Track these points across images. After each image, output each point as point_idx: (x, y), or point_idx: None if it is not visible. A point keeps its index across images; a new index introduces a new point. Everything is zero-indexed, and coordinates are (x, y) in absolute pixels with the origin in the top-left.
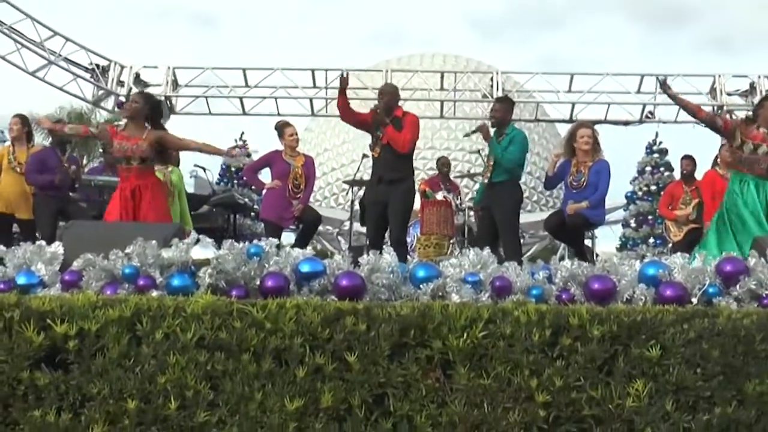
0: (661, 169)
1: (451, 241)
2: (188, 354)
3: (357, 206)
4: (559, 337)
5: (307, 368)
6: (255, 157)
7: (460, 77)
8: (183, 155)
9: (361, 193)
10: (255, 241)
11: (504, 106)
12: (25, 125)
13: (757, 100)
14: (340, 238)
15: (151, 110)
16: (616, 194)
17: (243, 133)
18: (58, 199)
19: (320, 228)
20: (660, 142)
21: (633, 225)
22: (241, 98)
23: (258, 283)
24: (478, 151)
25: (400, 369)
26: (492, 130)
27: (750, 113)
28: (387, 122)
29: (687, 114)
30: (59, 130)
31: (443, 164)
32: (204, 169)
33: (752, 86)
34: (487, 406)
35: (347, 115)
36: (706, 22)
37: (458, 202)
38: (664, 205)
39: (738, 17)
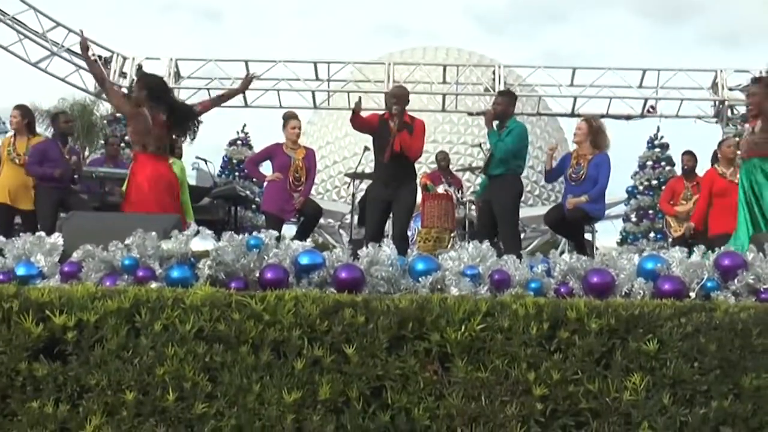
0: (663, 163)
1: (452, 235)
2: (187, 345)
3: (357, 204)
4: (556, 331)
5: (305, 360)
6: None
7: (462, 71)
8: (185, 148)
9: (363, 186)
10: (255, 233)
11: (506, 99)
12: (25, 117)
13: None
14: (341, 231)
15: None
16: (617, 189)
17: (245, 125)
18: (59, 190)
19: (322, 221)
20: (661, 137)
21: (634, 219)
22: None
23: (257, 275)
24: (480, 145)
25: (398, 362)
26: (495, 123)
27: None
28: (403, 127)
29: None
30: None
31: (442, 158)
32: (206, 161)
33: (753, 80)
34: (484, 399)
35: (358, 124)
36: (709, 17)
37: (459, 195)
38: (664, 200)
39: (742, 12)
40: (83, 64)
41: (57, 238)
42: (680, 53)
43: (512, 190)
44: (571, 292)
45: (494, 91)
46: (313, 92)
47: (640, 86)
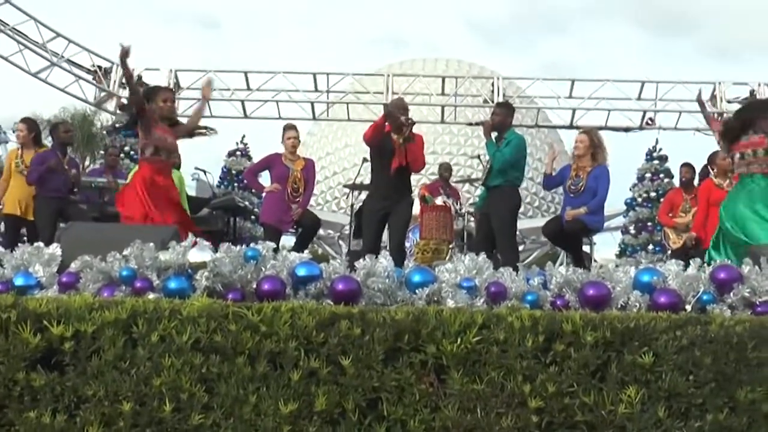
0: (661, 175)
1: (451, 246)
2: (183, 356)
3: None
4: (552, 343)
5: (301, 372)
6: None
7: (461, 82)
8: (184, 158)
9: (362, 197)
10: (252, 245)
11: (503, 110)
12: (31, 130)
13: None
14: (341, 242)
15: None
16: (615, 201)
17: (244, 136)
18: (58, 200)
19: (321, 232)
20: (660, 149)
21: (632, 232)
22: (242, 101)
23: (254, 286)
24: (479, 156)
25: (394, 373)
26: (493, 135)
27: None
28: (411, 139)
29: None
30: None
31: (445, 169)
32: (205, 172)
33: (752, 93)
34: (480, 411)
35: (378, 138)
36: (707, 30)
37: (458, 207)
38: (663, 212)
39: (740, 26)
40: (83, 74)
41: (55, 249)
42: (679, 66)
43: (510, 202)
44: (567, 305)
45: (493, 102)
46: (312, 103)
47: (639, 98)
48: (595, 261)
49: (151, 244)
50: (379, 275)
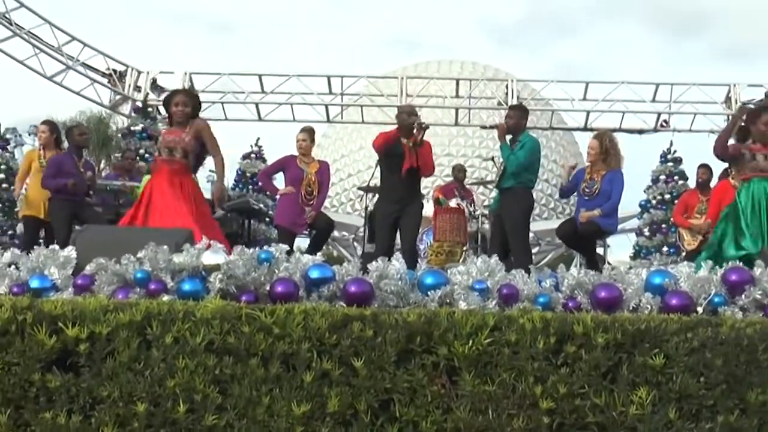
0: (675, 177)
1: (464, 249)
2: (197, 358)
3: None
4: (563, 345)
5: (314, 373)
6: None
7: (475, 84)
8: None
9: (375, 199)
10: (266, 247)
11: (517, 113)
12: (53, 131)
13: None
14: (355, 243)
15: (195, 111)
16: (630, 203)
17: (258, 138)
18: (73, 203)
19: (336, 234)
20: (674, 151)
21: (647, 234)
22: (257, 104)
23: (268, 288)
24: (493, 159)
25: (406, 375)
26: (508, 138)
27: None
28: (421, 143)
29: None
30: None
31: (459, 171)
32: None
33: (767, 95)
34: (491, 413)
35: (390, 147)
36: (721, 32)
37: (472, 209)
38: (678, 213)
39: (754, 27)
40: (98, 77)
41: (70, 251)
42: (692, 67)
43: (522, 204)
44: (579, 307)
45: (507, 104)
46: (326, 106)
47: (653, 100)
48: (608, 263)
49: (165, 246)
50: (391, 277)
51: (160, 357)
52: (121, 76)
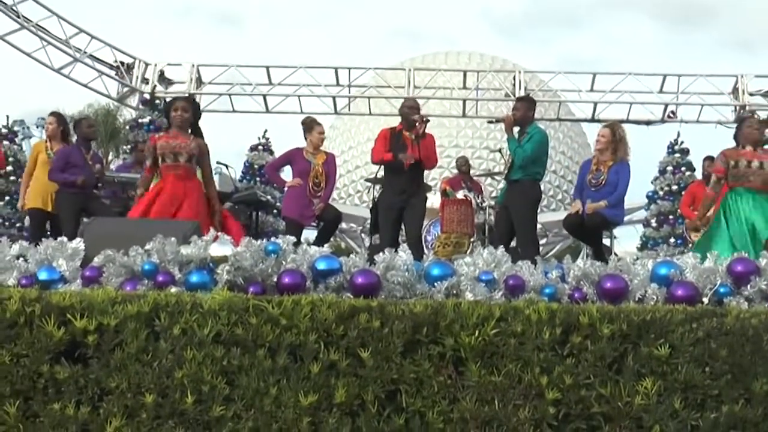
0: (683, 168)
1: (472, 240)
2: (205, 349)
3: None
4: (569, 336)
5: (321, 364)
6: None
7: (483, 76)
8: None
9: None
10: (274, 239)
11: (524, 104)
12: (60, 123)
13: None
14: (363, 235)
15: (195, 117)
16: (637, 194)
17: (266, 130)
18: (82, 195)
19: (344, 225)
20: (682, 142)
21: (654, 225)
22: (264, 96)
23: (275, 280)
24: (500, 150)
25: (412, 365)
26: (516, 129)
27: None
28: (424, 136)
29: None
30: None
31: (462, 163)
32: (227, 166)
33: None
34: (498, 403)
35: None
36: (727, 22)
37: (479, 200)
38: (685, 205)
39: (759, 17)
40: (106, 70)
41: (78, 243)
42: (699, 58)
43: (529, 196)
44: (584, 298)
45: (514, 96)
46: (333, 98)
47: (661, 91)
48: (615, 254)
49: (173, 238)
50: (398, 269)
51: (168, 348)
52: (129, 68)
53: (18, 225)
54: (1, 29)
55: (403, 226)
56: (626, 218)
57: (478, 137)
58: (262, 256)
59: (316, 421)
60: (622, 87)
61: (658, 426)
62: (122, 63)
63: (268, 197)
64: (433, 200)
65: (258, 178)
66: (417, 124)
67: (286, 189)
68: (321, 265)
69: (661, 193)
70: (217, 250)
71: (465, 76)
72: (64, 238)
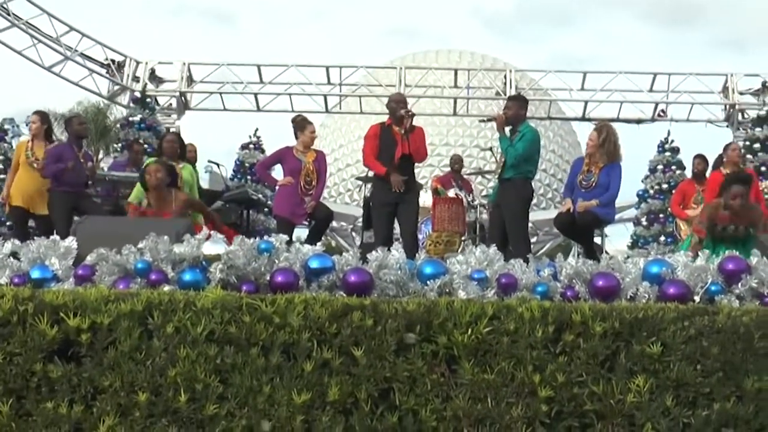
0: (673, 167)
1: (463, 238)
2: (198, 348)
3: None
4: (561, 334)
5: (314, 362)
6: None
7: (474, 74)
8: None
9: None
10: (265, 237)
11: (516, 103)
12: (44, 122)
13: None
14: (354, 233)
15: (171, 177)
16: (627, 192)
17: (257, 129)
18: (73, 194)
19: (334, 224)
20: (672, 141)
21: (644, 223)
22: (255, 94)
23: (268, 278)
24: (491, 149)
25: (405, 364)
26: (507, 128)
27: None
28: (412, 130)
29: None
30: None
31: (456, 161)
32: (218, 165)
33: (764, 85)
34: (490, 401)
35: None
36: (714, 21)
37: (470, 199)
38: (675, 203)
39: (746, 16)
40: (96, 68)
41: (71, 242)
42: (688, 57)
43: (521, 195)
44: (577, 296)
45: (505, 95)
46: (325, 96)
47: (651, 90)
48: (606, 253)
49: (166, 237)
50: (391, 267)
51: (161, 347)
52: (120, 66)
53: (8, 224)
54: None
55: (397, 223)
56: (617, 217)
57: (468, 135)
58: (255, 254)
59: (310, 419)
60: (613, 86)
61: (650, 423)
62: (113, 61)
63: (259, 196)
64: (425, 198)
65: (249, 177)
66: (404, 118)
67: (277, 188)
68: (314, 264)
69: (651, 191)
70: (210, 248)
71: (456, 74)
72: (57, 237)
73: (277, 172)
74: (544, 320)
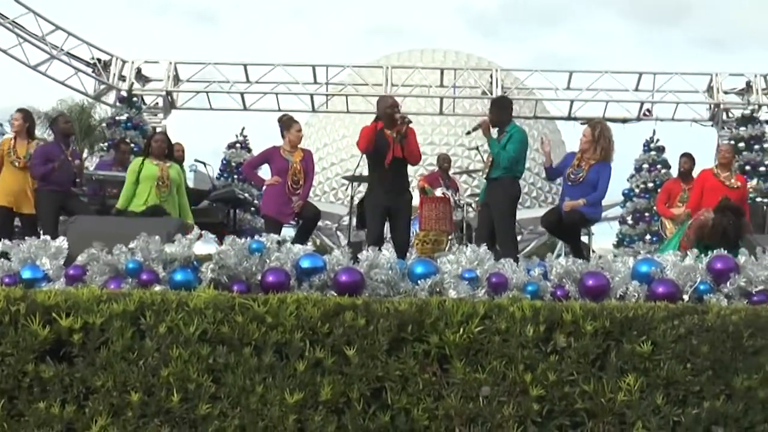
0: (659, 166)
1: (450, 238)
2: (191, 348)
3: (356, 207)
4: (553, 333)
5: (307, 362)
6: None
7: (459, 74)
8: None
9: (361, 188)
10: (256, 237)
11: (500, 106)
12: (26, 120)
13: (753, 98)
14: (339, 233)
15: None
16: (613, 191)
17: (243, 128)
18: (60, 194)
19: (319, 223)
20: (657, 140)
21: (630, 222)
22: (242, 94)
23: (259, 278)
24: (477, 148)
25: (397, 363)
26: (494, 131)
27: None
28: (406, 133)
29: None
30: None
31: (444, 160)
32: (204, 164)
33: (748, 85)
34: (482, 400)
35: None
36: (699, 21)
37: (457, 198)
38: (661, 202)
39: (732, 16)
40: (82, 67)
41: (62, 242)
42: (672, 57)
43: (509, 193)
44: (567, 295)
45: (491, 94)
46: (311, 95)
47: (636, 89)
48: (593, 251)
49: (157, 236)
50: (382, 267)
51: (153, 347)
52: (106, 65)
53: None
54: None
55: (389, 229)
56: (602, 215)
57: (453, 134)
58: (246, 254)
59: (302, 418)
60: (599, 85)
61: (641, 422)
62: (99, 60)
63: (246, 195)
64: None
65: (236, 176)
66: (398, 122)
67: (264, 187)
68: (305, 264)
69: (637, 190)
70: (201, 248)
71: (442, 74)
72: (47, 237)
73: (264, 172)
74: (536, 319)
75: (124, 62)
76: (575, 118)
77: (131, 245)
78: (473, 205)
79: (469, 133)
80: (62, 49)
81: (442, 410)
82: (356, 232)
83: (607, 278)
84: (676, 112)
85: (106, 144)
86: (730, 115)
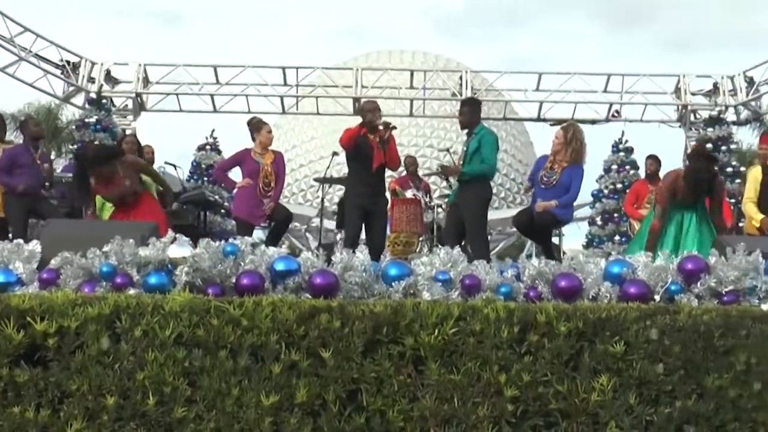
0: (627, 167)
1: (421, 239)
2: (166, 351)
3: (335, 206)
4: (527, 334)
5: (282, 364)
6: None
7: (429, 75)
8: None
9: (331, 190)
10: (230, 240)
11: (469, 107)
12: None
13: (720, 100)
14: (308, 234)
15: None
16: (582, 192)
17: (213, 130)
18: (30, 197)
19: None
20: (626, 141)
21: (599, 223)
22: (212, 96)
23: (234, 281)
24: (447, 150)
25: (373, 365)
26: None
27: None
28: (388, 140)
29: None
30: None
31: (410, 163)
32: (174, 166)
33: (715, 86)
34: (457, 401)
35: (353, 146)
36: (664, 23)
37: (427, 199)
38: (629, 203)
39: (697, 17)
40: (51, 69)
41: (35, 245)
42: (639, 59)
43: (480, 195)
44: (540, 296)
45: (461, 95)
46: (281, 97)
47: (605, 91)
48: (564, 252)
49: (131, 240)
50: (356, 269)
51: (129, 350)
52: (75, 67)
53: None
54: None
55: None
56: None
57: (421, 135)
58: (221, 257)
59: (278, 421)
60: (568, 86)
61: (614, 421)
62: (68, 62)
63: (216, 197)
64: None
65: (206, 178)
66: (381, 127)
67: (236, 190)
68: (279, 266)
69: (606, 191)
70: (175, 251)
71: (412, 75)
72: (20, 240)
73: (235, 174)
74: (510, 321)
75: (93, 64)
76: (544, 120)
77: (105, 248)
78: (443, 207)
79: (439, 174)
80: (31, 51)
81: (417, 411)
82: (326, 233)
83: (579, 279)
84: (644, 114)
85: (75, 146)
86: (698, 116)
